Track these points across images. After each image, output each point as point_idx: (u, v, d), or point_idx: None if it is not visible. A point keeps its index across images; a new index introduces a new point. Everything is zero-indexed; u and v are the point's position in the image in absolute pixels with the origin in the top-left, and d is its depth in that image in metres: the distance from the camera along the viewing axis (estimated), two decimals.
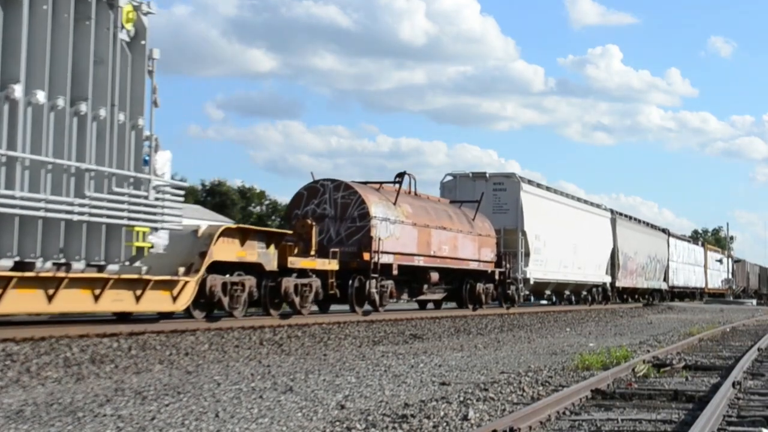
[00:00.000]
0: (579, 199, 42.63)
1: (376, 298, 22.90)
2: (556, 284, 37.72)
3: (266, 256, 18.72)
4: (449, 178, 34.06)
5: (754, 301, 74.59)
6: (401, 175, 25.99)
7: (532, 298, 37.85)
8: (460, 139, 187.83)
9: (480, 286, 29.16)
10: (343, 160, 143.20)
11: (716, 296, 77.69)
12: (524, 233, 33.08)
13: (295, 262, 19.67)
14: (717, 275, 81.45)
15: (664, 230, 61.07)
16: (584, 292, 42.33)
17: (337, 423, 7.94)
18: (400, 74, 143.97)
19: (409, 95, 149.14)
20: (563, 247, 37.57)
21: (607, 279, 44.58)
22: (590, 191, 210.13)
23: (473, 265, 28.70)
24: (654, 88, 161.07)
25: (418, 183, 27.72)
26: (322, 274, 20.83)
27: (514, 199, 33.15)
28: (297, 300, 19.60)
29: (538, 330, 23.64)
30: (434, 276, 25.93)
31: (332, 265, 21.26)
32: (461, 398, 9.54)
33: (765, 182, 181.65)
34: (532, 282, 33.57)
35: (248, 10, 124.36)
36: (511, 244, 32.70)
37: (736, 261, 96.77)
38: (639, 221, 54.58)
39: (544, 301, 42.38)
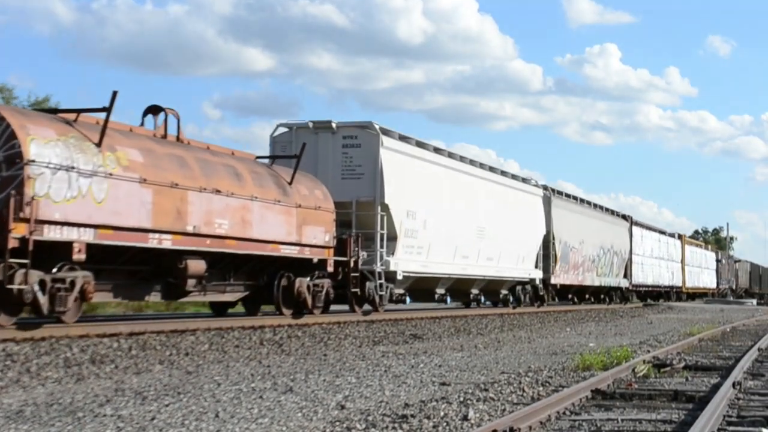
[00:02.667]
0: (492, 168, 31.46)
1: (40, 299, 13.29)
2: (453, 280, 27.62)
3: None
4: (283, 130, 23.82)
5: (754, 301, 74.10)
6: (155, 110, 16.94)
7: (408, 299, 26.43)
8: (459, 139, 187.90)
9: (302, 283, 19.51)
10: None
11: (697, 297, 71.10)
12: (386, 207, 22.84)
13: None
14: (698, 272, 71.93)
15: (625, 216, 50.09)
16: (504, 292, 32.61)
17: (337, 423, 7.94)
18: (398, 73, 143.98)
19: (407, 94, 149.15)
20: (460, 229, 27.31)
21: (538, 274, 34.57)
22: (589, 191, 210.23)
23: (288, 251, 18.94)
24: (653, 87, 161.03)
25: None
26: None
27: (371, 158, 22.94)
28: None
29: (538, 330, 23.65)
30: (195, 265, 16.27)
31: None
32: (461, 398, 9.54)
33: (764, 182, 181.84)
34: (400, 276, 23.54)
35: (244, 9, 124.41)
36: (367, 222, 22.74)
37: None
38: (588, 203, 43.35)
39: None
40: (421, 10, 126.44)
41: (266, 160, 20.82)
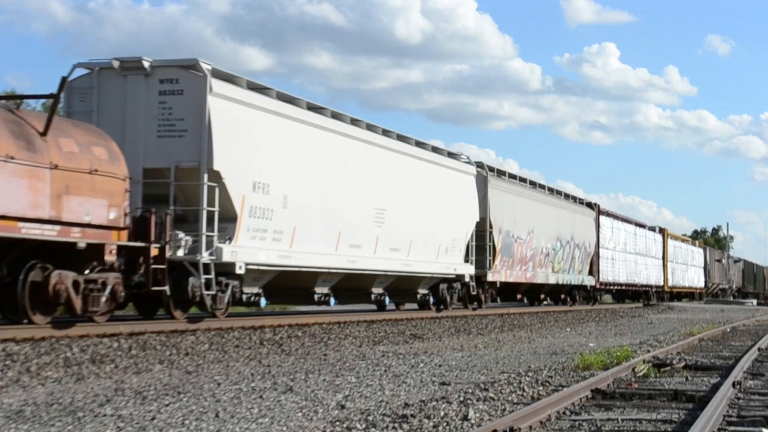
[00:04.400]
0: (402, 137, 24.41)
1: None
2: (340, 276, 21.16)
3: None
4: (81, 72, 17.26)
5: (755, 301, 73.72)
6: None
7: (263, 301, 19.19)
8: (457, 138, 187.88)
9: (62, 278, 13.57)
10: None
11: (681, 297, 65.62)
12: (217, 176, 16.63)
13: None
14: (683, 270, 65.16)
15: (590, 205, 43.13)
16: (422, 291, 25.90)
17: (337, 423, 7.94)
18: (396, 73, 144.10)
19: (405, 94, 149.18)
20: (346, 211, 20.82)
21: (468, 270, 27.61)
22: (588, 191, 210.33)
23: (33, 231, 13.08)
24: (652, 87, 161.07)
25: None
26: None
27: (196, 109, 16.70)
28: None
29: (538, 330, 23.65)
30: None
31: None
32: (461, 398, 9.54)
33: (763, 182, 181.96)
34: (241, 270, 17.15)
35: (241, 9, 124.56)
36: (192, 196, 16.68)
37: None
38: (541, 187, 36.86)
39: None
40: (419, 10, 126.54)
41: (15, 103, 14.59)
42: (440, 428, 7.80)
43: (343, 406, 8.99)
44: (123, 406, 8.71)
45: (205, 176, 16.47)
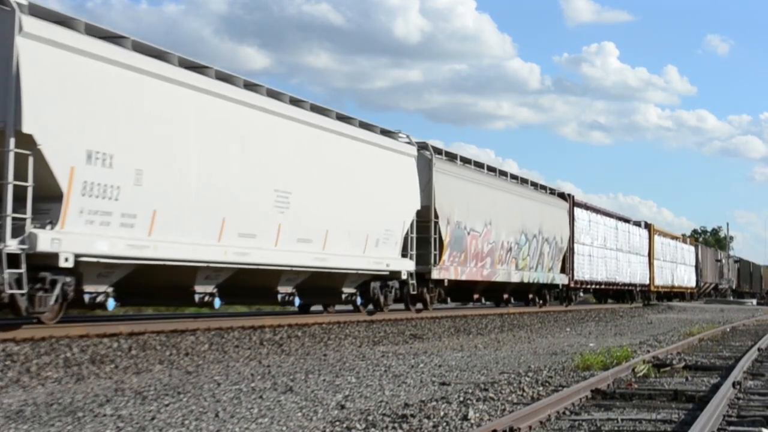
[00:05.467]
0: (319, 109, 20.12)
1: None
2: (231, 272, 17.22)
3: None
4: None
5: (754, 301, 73.46)
6: None
7: (112, 304, 14.78)
8: (457, 138, 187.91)
9: None
10: None
11: (670, 297, 61.83)
12: (29, 141, 12.65)
13: None
14: (671, 268, 60.70)
15: (563, 195, 38.56)
16: (348, 290, 21.86)
17: (337, 423, 7.95)
18: (396, 72, 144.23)
19: (405, 94, 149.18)
20: (234, 192, 16.84)
21: (406, 265, 23.37)
22: (588, 191, 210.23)
23: None
24: (651, 86, 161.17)
25: None
26: None
27: (1, 55, 12.59)
28: None
29: (538, 330, 23.66)
30: None
31: None
32: (461, 398, 9.55)
33: (763, 182, 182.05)
34: (67, 263, 13.19)
35: (240, 8, 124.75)
36: None
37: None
38: (503, 174, 32.07)
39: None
40: (418, 9, 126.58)
41: None
42: (440, 428, 7.80)
43: (343, 406, 8.99)
44: (123, 406, 8.72)
45: (12, 141, 12.53)
